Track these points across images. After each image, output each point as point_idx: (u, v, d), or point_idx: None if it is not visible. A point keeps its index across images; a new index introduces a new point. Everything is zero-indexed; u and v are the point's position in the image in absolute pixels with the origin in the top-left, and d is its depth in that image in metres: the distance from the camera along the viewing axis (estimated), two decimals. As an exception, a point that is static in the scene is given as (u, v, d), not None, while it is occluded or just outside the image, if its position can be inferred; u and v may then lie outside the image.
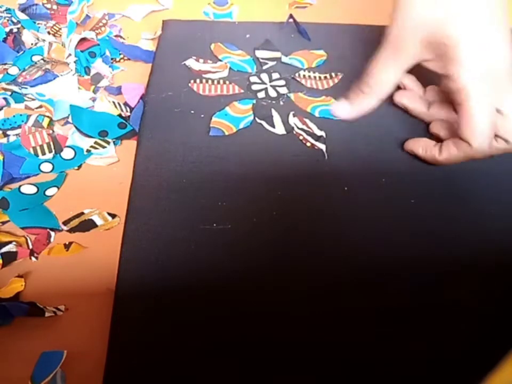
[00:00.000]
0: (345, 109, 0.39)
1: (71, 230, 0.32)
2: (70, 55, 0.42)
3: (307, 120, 0.39)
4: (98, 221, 0.32)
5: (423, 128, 0.39)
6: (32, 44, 0.43)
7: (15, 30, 0.43)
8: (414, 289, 0.30)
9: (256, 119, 0.38)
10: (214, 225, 0.32)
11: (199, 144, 0.37)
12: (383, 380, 0.27)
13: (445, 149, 0.35)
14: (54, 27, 0.45)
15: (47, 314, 0.28)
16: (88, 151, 0.36)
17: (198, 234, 0.32)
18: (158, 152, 0.36)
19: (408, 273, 0.31)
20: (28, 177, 0.35)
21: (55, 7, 0.47)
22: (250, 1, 0.51)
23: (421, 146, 0.36)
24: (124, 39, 0.46)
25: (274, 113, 0.39)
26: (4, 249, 0.30)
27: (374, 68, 0.37)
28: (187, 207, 0.33)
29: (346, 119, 0.39)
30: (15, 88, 0.39)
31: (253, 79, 0.42)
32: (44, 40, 0.43)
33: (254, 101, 0.40)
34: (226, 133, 0.37)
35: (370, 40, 0.46)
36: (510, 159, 0.37)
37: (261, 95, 0.41)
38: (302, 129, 0.38)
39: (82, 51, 0.42)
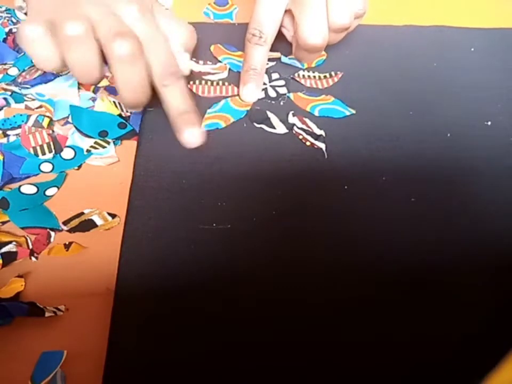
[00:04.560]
0: (253, 87, 0.40)
1: (71, 230, 0.32)
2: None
3: (307, 120, 0.39)
4: (98, 221, 0.32)
5: (423, 127, 0.39)
6: (32, 44, 0.43)
7: (14, 30, 0.43)
8: (414, 287, 0.30)
9: (255, 124, 0.38)
10: (214, 225, 0.32)
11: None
12: (383, 381, 0.27)
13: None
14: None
15: (47, 314, 0.28)
16: (88, 151, 0.36)
17: (197, 234, 0.32)
18: (158, 153, 0.36)
19: (408, 271, 0.31)
20: (28, 177, 0.35)
21: (55, 7, 0.47)
22: (251, 1, 0.51)
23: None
24: (123, 39, 0.46)
25: (270, 114, 0.39)
26: (4, 249, 0.30)
27: (261, 13, 0.38)
28: (187, 207, 0.33)
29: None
30: (15, 88, 0.39)
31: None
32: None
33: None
34: (224, 125, 0.38)
35: (369, 39, 0.46)
36: (511, 159, 0.37)
37: (261, 95, 0.41)
38: (301, 128, 0.38)
39: (82, 51, 0.42)
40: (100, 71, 0.32)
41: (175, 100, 0.34)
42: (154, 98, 0.34)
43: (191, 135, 0.34)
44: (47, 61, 0.31)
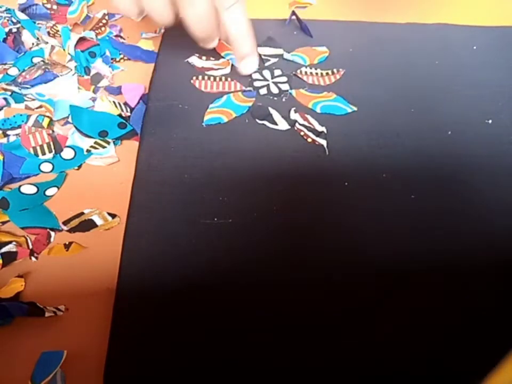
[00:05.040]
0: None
1: (71, 230, 0.32)
2: (70, 59, 0.42)
3: (308, 116, 0.38)
4: (98, 221, 0.32)
5: (424, 124, 0.39)
6: (33, 44, 0.43)
7: (14, 30, 0.43)
8: (414, 286, 0.30)
9: (257, 120, 0.38)
10: (215, 219, 0.32)
11: (201, 140, 0.37)
12: (383, 380, 0.27)
13: None
14: (54, 27, 0.45)
15: (47, 314, 0.28)
16: (88, 151, 0.36)
17: (198, 228, 0.32)
18: (160, 148, 0.36)
19: (408, 268, 0.31)
20: (28, 177, 0.35)
21: (55, 7, 0.47)
22: (250, 2, 0.50)
23: None
24: (124, 39, 0.46)
25: (272, 111, 0.39)
26: (4, 249, 0.30)
27: None
28: (188, 201, 0.33)
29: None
30: (15, 88, 0.39)
31: (255, 75, 0.42)
32: (46, 43, 0.43)
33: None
34: (226, 120, 0.38)
35: (372, 36, 0.46)
36: (511, 158, 0.37)
37: (263, 91, 0.41)
38: (303, 125, 0.38)
39: (82, 51, 0.42)
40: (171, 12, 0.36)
41: (236, 22, 0.37)
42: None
43: (248, 63, 0.41)
44: None
